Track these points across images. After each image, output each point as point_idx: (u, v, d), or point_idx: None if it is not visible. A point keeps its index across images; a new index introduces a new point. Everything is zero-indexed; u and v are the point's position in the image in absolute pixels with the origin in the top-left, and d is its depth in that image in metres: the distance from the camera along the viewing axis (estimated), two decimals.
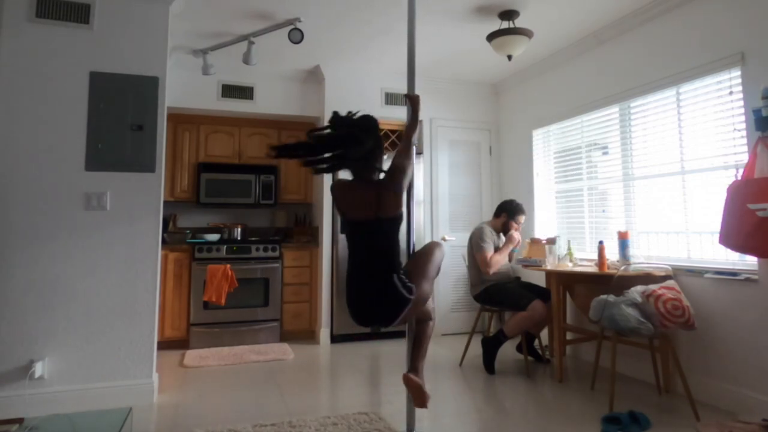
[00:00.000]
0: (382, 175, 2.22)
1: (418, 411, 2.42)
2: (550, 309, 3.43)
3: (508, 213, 3.83)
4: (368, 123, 2.18)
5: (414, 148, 2.32)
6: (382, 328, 2.09)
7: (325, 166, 2.14)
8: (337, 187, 2.24)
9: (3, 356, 2.65)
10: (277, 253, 4.49)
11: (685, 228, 3.12)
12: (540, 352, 3.82)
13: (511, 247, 3.75)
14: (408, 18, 2.48)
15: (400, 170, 2.17)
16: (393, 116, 4.76)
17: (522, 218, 3.85)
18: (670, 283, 2.82)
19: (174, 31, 3.61)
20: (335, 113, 2.19)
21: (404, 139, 2.31)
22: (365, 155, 2.15)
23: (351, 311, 2.15)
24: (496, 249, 3.76)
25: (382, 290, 2.04)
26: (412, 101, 2.38)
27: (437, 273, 2.29)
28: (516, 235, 3.75)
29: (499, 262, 3.64)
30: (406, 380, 2.15)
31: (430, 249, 2.30)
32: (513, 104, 4.92)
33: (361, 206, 2.13)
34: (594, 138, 3.93)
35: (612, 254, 3.38)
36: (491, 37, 3.50)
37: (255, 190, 4.77)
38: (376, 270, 2.07)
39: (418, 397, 2.13)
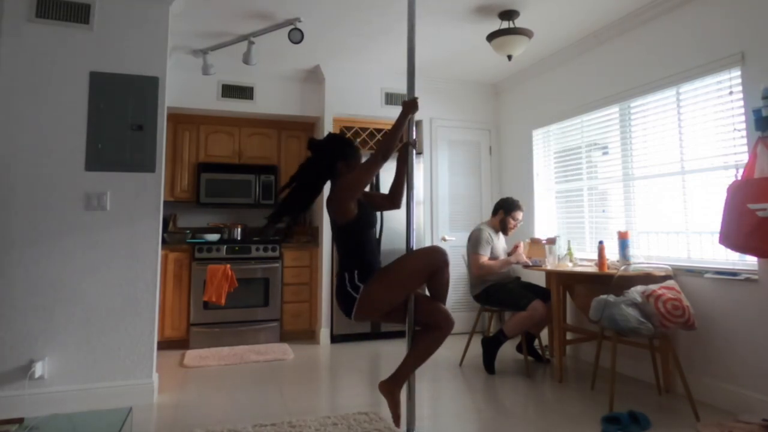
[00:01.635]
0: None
1: (418, 410, 2.42)
2: (550, 309, 3.43)
3: (504, 210, 3.83)
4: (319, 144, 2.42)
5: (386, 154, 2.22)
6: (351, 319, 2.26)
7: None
8: None
9: (3, 356, 2.65)
10: (277, 253, 4.49)
11: (685, 228, 3.12)
12: (540, 352, 3.82)
13: (513, 262, 3.72)
14: (408, 18, 2.48)
15: (342, 182, 2.23)
16: (393, 116, 4.75)
17: (519, 214, 3.84)
18: (670, 283, 2.82)
19: (174, 31, 3.61)
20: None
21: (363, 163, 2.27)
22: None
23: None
24: (494, 251, 3.76)
25: (337, 285, 2.28)
26: (404, 105, 2.30)
27: (427, 277, 2.20)
28: (523, 257, 3.73)
29: (492, 267, 3.63)
30: (380, 388, 2.23)
31: (405, 256, 2.26)
32: (513, 104, 4.92)
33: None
34: (594, 138, 3.93)
35: (612, 254, 3.38)
36: (491, 37, 3.50)
37: (255, 190, 4.77)
38: (338, 267, 2.33)
39: (391, 410, 2.20)
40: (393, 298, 2.19)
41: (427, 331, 2.23)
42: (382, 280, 2.18)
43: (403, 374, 2.20)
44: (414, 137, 2.39)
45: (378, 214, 2.48)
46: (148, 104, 3.00)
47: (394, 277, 2.18)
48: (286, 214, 2.38)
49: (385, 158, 2.16)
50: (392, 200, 2.48)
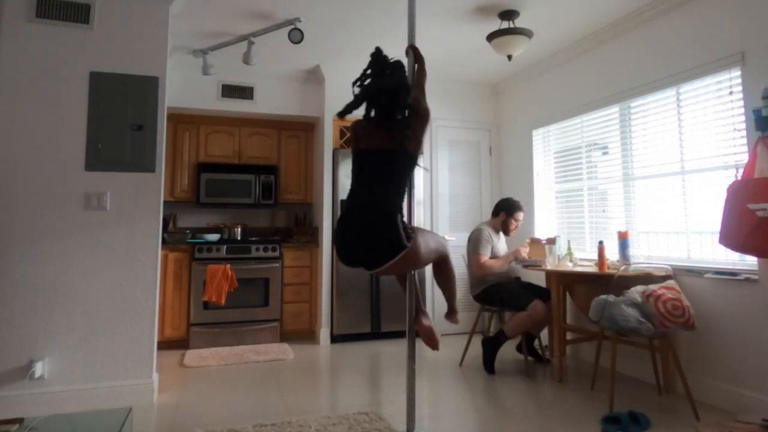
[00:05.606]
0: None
1: (419, 410, 2.41)
2: (550, 309, 3.43)
3: (506, 211, 3.83)
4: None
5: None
6: (369, 270, 2.07)
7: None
8: (360, 124, 2.23)
9: (3, 356, 2.65)
10: (277, 253, 4.49)
11: (685, 228, 3.12)
12: (540, 352, 3.82)
13: (512, 258, 3.73)
14: (408, 18, 2.48)
15: (424, 106, 2.20)
16: None
17: (520, 215, 3.85)
18: (670, 283, 2.82)
19: (174, 31, 3.61)
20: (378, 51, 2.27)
21: (418, 87, 2.30)
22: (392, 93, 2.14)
23: (340, 245, 2.07)
24: (494, 250, 3.76)
25: (381, 226, 1.98)
26: (414, 51, 2.41)
27: (440, 254, 2.33)
28: (524, 252, 3.73)
29: (493, 266, 3.63)
30: (418, 326, 2.36)
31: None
32: (513, 104, 4.92)
33: (383, 137, 2.08)
34: (594, 138, 3.93)
35: (612, 254, 3.38)
36: (491, 37, 3.50)
37: (255, 190, 4.77)
38: (384, 206, 2.01)
39: (430, 340, 2.37)
40: (425, 262, 2.26)
41: (440, 267, 2.41)
42: (426, 241, 2.15)
43: (455, 303, 2.55)
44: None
45: None
46: (148, 104, 3.00)
47: (432, 244, 2.23)
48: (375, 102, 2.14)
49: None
50: None
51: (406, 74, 2.29)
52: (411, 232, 2.04)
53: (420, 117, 2.14)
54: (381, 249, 1.97)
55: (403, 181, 2.10)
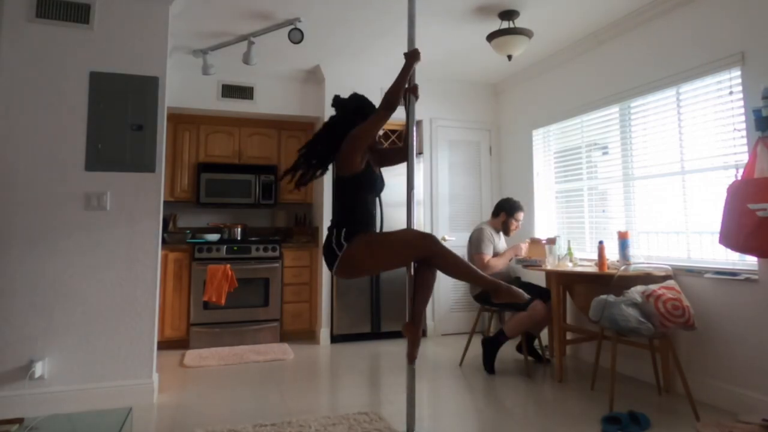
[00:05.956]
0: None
1: (418, 410, 2.42)
2: (550, 309, 3.43)
3: (506, 211, 3.84)
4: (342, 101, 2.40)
5: (387, 110, 2.23)
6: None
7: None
8: None
9: (3, 356, 2.65)
10: (277, 253, 4.49)
11: (685, 228, 3.12)
12: (540, 352, 3.82)
13: (512, 255, 3.75)
14: (408, 18, 2.48)
15: (351, 133, 2.22)
16: (392, 117, 4.75)
17: (521, 215, 3.86)
18: (670, 283, 2.82)
19: (174, 31, 3.61)
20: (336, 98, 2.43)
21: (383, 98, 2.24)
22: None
23: None
24: (495, 250, 3.76)
25: (326, 238, 2.28)
26: (406, 57, 2.31)
27: (414, 259, 2.22)
28: (523, 248, 3.75)
29: (496, 265, 3.64)
30: (406, 330, 2.29)
31: (398, 231, 2.25)
32: (513, 104, 4.92)
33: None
34: (594, 138, 3.93)
35: (612, 254, 3.38)
36: (491, 37, 3.50)
37: (255, 190, 4.77)
38: (330, 221, 2.32)
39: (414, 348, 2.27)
40: (374, 267, 2.32)
41: (424, 271, 2.27)
42: (368, 247, 2.17)
43: (421, 312, 2.30)
44: (415, 82, 2.35)
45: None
46: (148, 104, 3.00)
47: (380, 248, 2.19)
48: (303, 165, 2.33)
49: (389, 109, 2.20)
50: (405, 151, 2.42)
51: (364, 102, 2.38)
52: (344, 242, 2.16)
53: (348, 139, 2.22)
54: (326, 256, 2.26)
55: (341, 200, 2.29)
